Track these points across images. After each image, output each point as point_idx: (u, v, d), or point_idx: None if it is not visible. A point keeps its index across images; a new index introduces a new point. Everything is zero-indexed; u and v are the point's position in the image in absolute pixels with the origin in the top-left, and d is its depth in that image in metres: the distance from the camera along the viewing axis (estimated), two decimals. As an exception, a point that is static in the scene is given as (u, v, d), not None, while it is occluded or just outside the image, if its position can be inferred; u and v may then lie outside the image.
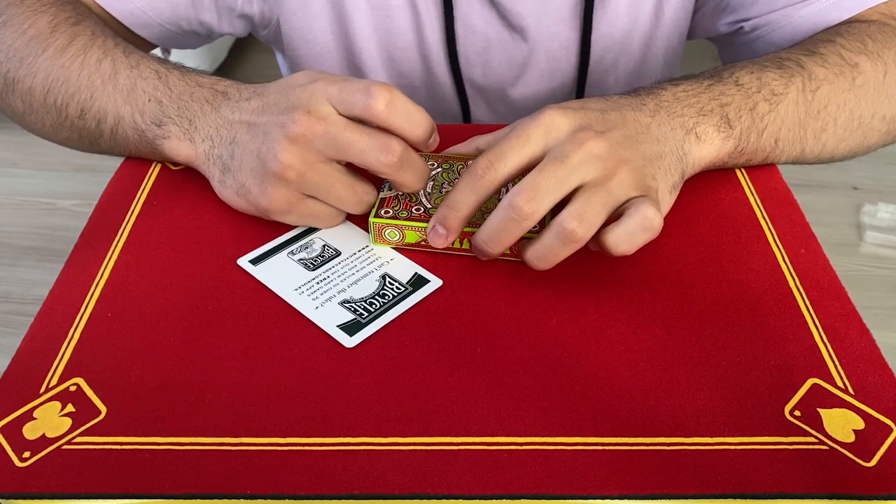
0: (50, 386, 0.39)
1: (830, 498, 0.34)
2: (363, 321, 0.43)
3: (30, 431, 0.37)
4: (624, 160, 0.43)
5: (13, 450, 0.36)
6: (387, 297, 0.44)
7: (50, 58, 0.55)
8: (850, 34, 0.55)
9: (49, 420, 0.37)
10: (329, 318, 0.43)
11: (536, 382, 0.39)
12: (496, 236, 0.43)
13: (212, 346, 0.41)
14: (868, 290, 1.45)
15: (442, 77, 0.70)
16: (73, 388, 0.39)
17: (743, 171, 0.53)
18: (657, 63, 0.72)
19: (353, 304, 0.44)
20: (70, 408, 0.38)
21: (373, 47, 0.69)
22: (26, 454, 0.36)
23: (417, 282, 0.45)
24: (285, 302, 0.44)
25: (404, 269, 0.46)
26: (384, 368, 0.40)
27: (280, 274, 0.46)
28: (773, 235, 0.48)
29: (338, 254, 0.47)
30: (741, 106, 0.50)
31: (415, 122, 0.44)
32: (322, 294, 0.44)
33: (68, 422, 0.37)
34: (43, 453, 0.36)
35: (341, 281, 0.45)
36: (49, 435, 0.37)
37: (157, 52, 0.70)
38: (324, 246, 0.48)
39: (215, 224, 0.50)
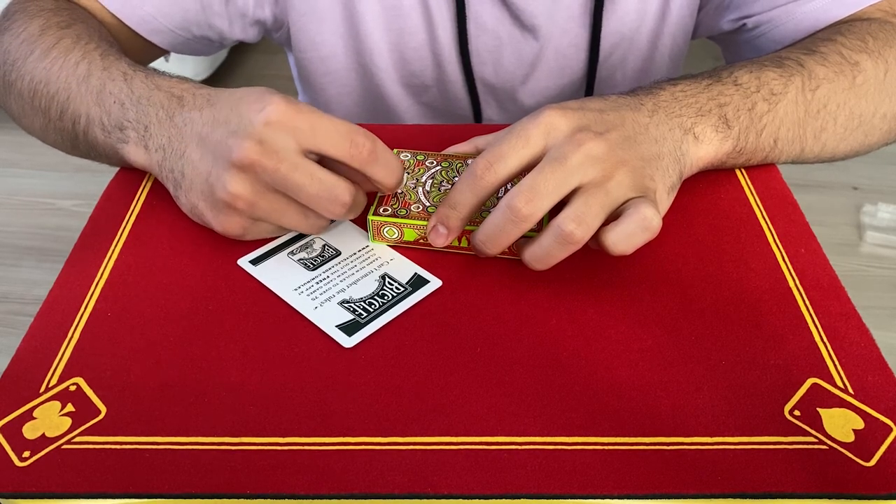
0: (50, 385, 0.39)
1: (830, 498, 0.34)
2: (362, 321, 0.43)
3: (30, 431, 0.37)
4: (622, 161, 0.43)
5: (13, 449, 0.36)
6: (386, 298, 0.44)
7: (35, 60, 0.55)
8: (850, 32, 0.55)
9: (49, 420, 0.37)
10: (328, 318, 0.43)
11: (536, 382, 0.39)
12: (494, 237, 0.43)
13: (212, 346, 0.41)
14: (868, 290, 1.45)
15: (453, 75, 0.71)
16: (72, 388, 0.39)
17: (743, 171, 0.53)
18: (663, 61, 0.72)
19: (352, 305, 0.44)
20: (70, 407, 0.38)
21: (384, 48, 0.69)
22: (26, 454, 0.36)
23: (417, 282, 0.45)
24: (285, 302, 0.44)
25: (404, 269, 0.46)
26: (384, 368, 0.40)
27: (280, 274, 0.46)
28: (773, 235, 0.48)
29: (338, 254, 0.47)
30: (739, 106, 0.50)
31: (390, 170, 0.44)
32: (321, 294, 0.44)
33: (68, 421, 0.37)
34: (43, 453, 0.36)
35: (341, 281, 0.45)
36: (49, 434, 0.37)
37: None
38: (324, 246, 0.48)
39: (215, 224, 0.49)
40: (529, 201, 0.42)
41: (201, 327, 0.42)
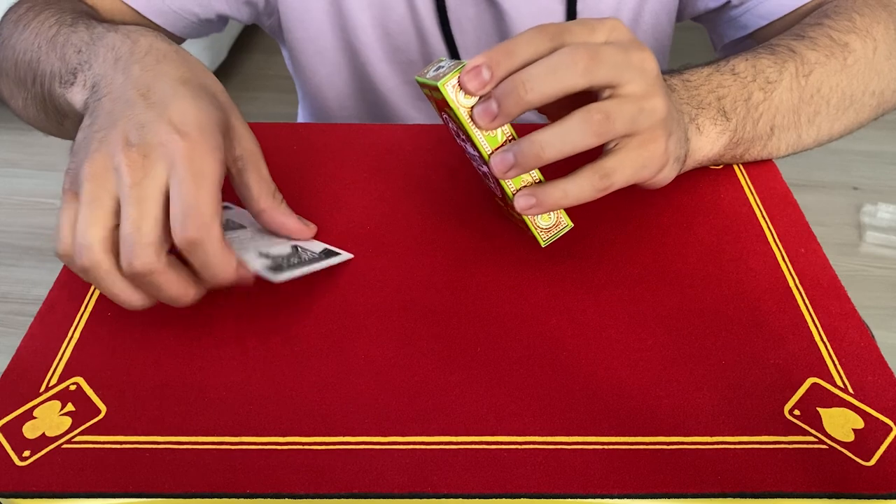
0: (50, 385, 0.39)
1: (830, 497, 0.34)
2: (285, 265, 0.43)
3: (30, 430, 0.37)
4: (663, 95, 0.42)
5: (13, 449, 0.36)
6: (303, 259, 0.44)
7: (18, 34, 0.56)
8: (837, 14, 0.56)
9: (49, 419, 0.37)
10: (250, 263, 0.41)
11: (536, 382, 0.39)
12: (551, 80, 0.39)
13: (212, 346, 0.41)
14: (868, 290, 1.45)
15: (436, 47, 0.71)
16: (72, 388, 0.39)
17: (743, 171, 0.53)
18: (647, 42, 0.72)
19: (270, 258, 0.43)
20: (70, 407, 0.38)
21: (367, 24, 0.70)
22: (26, 453, 0.36)
23: (328, 253, 0.46)
24: (285, 301, 0.44)
25: (313, 245, 0.47)
26: (384, 368, 0.40)
27: None
28: (773, 235, 0.48)
29: (242, 227, 0.47)
30: (737, 97, 0.51)
31: (206, 274, 0.40)
32: (237, 249, 0.42)
33: (68, 421, 0.37)
34: (43, 452, 0.36)
35: (253, 244, 0.44)
36: (49, 434, 0.37)
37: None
38: (227, 220, 0.46)
39: (215, 224, 0.49)
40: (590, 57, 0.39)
41: (201, 327, 0.42)
